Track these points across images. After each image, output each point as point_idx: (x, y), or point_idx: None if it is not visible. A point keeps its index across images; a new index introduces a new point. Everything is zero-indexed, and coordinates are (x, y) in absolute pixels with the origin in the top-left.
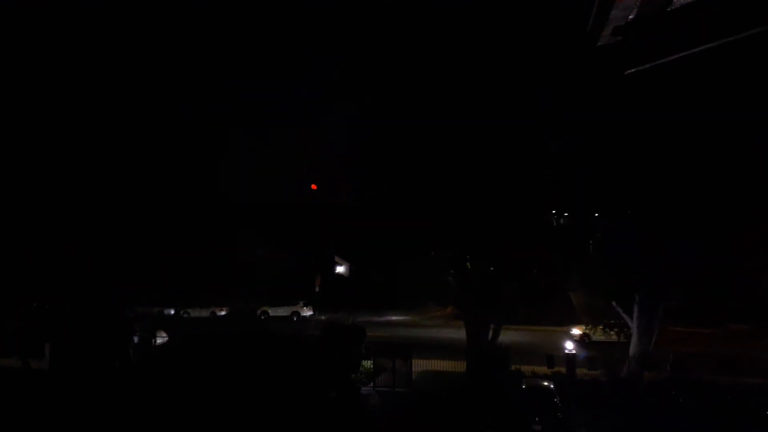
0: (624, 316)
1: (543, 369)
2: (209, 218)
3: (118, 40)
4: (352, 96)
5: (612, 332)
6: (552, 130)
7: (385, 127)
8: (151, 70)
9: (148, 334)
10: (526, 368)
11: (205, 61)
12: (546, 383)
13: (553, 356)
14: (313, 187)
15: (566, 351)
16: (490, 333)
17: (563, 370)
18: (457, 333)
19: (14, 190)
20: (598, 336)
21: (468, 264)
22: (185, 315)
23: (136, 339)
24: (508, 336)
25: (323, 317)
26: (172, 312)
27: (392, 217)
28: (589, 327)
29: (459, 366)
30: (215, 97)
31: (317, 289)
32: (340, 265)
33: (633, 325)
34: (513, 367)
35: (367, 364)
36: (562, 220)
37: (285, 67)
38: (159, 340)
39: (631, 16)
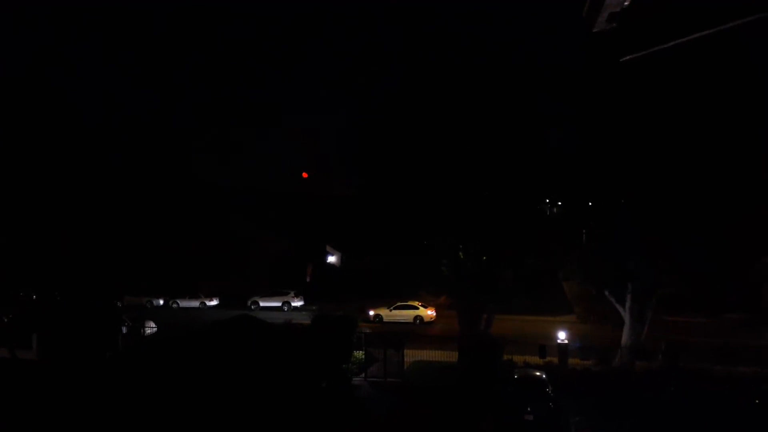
0: (617, 304)
1: (535, 359)
2: (199, 207)
3: (117, 29)
4: (350, 86)
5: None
6: (548, 119)
7: (381, 116)
8: (146, 63)
9: (137, 324)
10: (518, 358)
11: (203, 52)
12: (538, 373)
13: (546, 346)
14: (304, 175)
15: (558, 341)
16: (483, 322)
17: (555, 359)
18: None
19: (3, 183)
20: (391, 316)
21: (461, 253)
22: (174, 305)
23: (124, 329)
24: (501, 325)
25: (314, 307)
26: (161, 302)
27: (385, 205)
28: (382, 308)
29: (451, 356)
30: (213, 86)
31: (308, 279)
32: (332, 254)
33: (626, 313)
34: (505, 357)
35: (359, 354)
36: (555, 209)
37: (284, 55)
38: (148, 330)
39: (626, 2)
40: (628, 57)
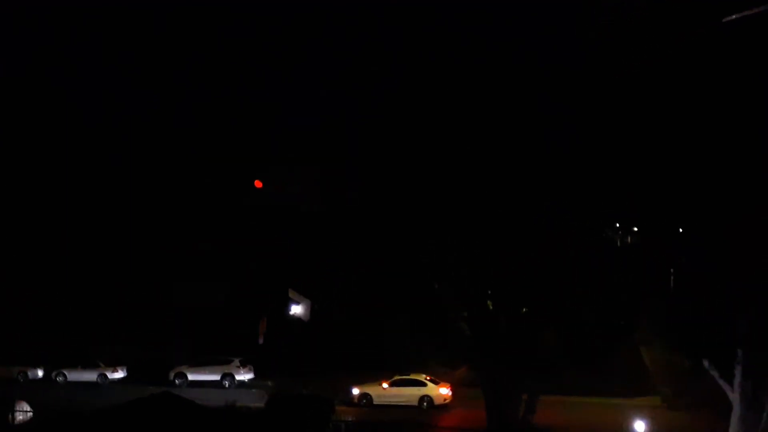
0: (720, 381)
1: None
2: (99, 230)
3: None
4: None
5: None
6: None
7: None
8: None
9: (3, 406)
10: None
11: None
12: None
13: None
14: (257, 184)
15: None
16: (523, 407)
17: None
18: None
19: None
20: (385, 397)
21: (489, 303)
22: (60, 378)
23: None
24: (549, 411)
25: (270, 382)
26: (40, 374)
27: (378, 230)
28: (373, 385)
29: None
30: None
31: (261, 340)
32: (297, 302)
33: (734, 395)
34: None
35: None
36: (629, 239)
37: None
38: (19, 416)
39: None
40: (732, 16)
